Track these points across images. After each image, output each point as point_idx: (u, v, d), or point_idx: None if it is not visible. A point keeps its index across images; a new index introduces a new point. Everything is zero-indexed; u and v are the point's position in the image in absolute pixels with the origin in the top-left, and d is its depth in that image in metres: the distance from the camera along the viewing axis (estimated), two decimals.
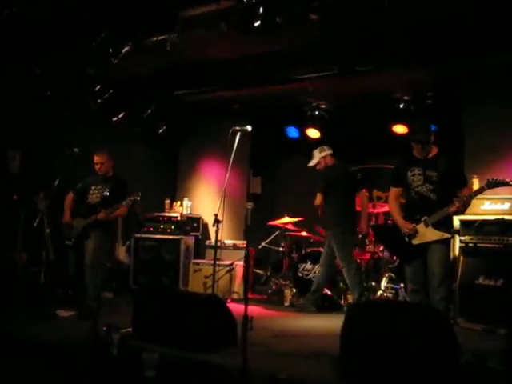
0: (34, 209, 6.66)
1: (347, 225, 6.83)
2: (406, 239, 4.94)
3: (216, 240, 5.63)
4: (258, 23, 5.03)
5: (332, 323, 6.10)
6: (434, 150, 4.98)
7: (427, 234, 4.82)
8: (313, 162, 7.10)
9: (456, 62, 6.33)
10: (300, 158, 9.52)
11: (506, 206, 6.33)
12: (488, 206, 6.39)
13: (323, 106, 8.17)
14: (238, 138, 5.76)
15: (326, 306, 7.09)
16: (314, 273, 7.31)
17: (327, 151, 7.08)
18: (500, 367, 3.96)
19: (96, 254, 6.13)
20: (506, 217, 6.13)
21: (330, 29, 5.79)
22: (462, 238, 6.17)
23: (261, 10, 4.98)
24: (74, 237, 6.26)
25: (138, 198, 6.12)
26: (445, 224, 4.84)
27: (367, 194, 7.33)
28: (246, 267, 4.76)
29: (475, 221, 6.13)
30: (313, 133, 8.57)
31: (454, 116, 7.68)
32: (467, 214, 6.16)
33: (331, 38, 6.20)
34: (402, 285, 6.98)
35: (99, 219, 6.09)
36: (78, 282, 6.33)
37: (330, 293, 7.13)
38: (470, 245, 6.13)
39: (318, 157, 7.04)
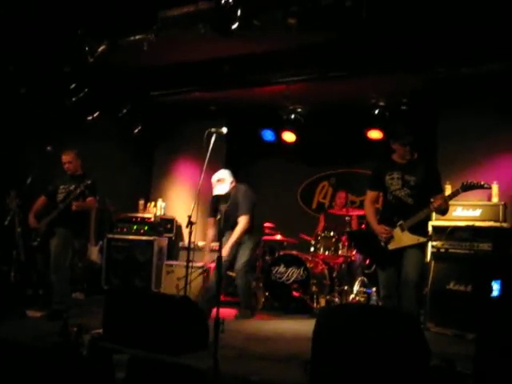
0: (6, 207, 6.56)
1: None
2: (382, 244, 4.95)
3: (189, 242, 5.61)
4: (235, 25, 5.04)
5: (304, 326, 6.11)
6: (413, 156, 5.03)
7: (403, 238, 4.82)
8: (223, 191, 6.45)
9: (430, 71, 6.40)
10: (275, 161, 9.62)
11: (477, 212, 6.45)
12: (460, 213, 6.50)
13: (299, 110, 8.19)
14: (213, 139, 5.75)
15: (294, 307, 7.12)
16: (287, 276, 7.32)
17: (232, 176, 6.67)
18: (469, 371, 4.01)
19: (59, 254, 6.03)
20: (477, 223, 6.25)
21: (308, 34, 5.81)
22: (434, 243, 6.25)
23: (239, 12, 4.98)
24: (40, 236, 6.16)
25: (89, 182, 6.00)
26: (420, 228, 4.85)
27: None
28: (219, 269, 4.74)
29: (447, 227, 6.22)
30: (288, 136, 8.62)
31: (428, 123, 7.79)
32: (439, 220, 6.27)
33: (308, 42, 6.23)
34: (374, 289, 7.05)
35: (58, 213, 6.00)
36: (47, 282, 6.23)
37: (302, 295, 7.14)
38: (442, 250, 6.23)
39: (228, 184, 6.53)
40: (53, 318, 5.71)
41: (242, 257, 6.71)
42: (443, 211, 4.94)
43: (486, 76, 6.53)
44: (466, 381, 3.89)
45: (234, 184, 6.62)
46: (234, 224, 6.59)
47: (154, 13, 5.41)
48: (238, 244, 6.68)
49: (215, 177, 6.52)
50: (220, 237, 4.96)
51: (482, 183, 4.75)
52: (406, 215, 4.84)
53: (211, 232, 6.91)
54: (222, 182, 6.49)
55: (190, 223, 5.56)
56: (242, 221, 6.58)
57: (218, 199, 6.49)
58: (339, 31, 5.86)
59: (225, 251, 6.34)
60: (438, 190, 4.97)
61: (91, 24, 5.67)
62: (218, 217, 4.56)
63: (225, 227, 6.43)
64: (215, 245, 6.91)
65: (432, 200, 4.83)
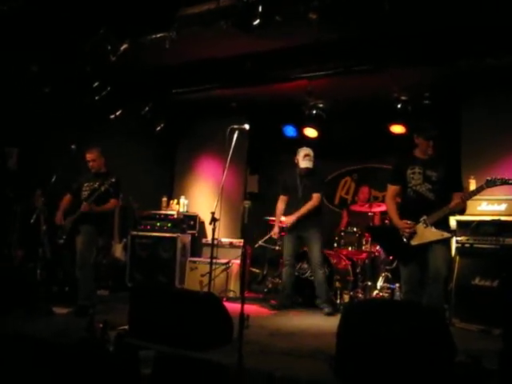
0: (31, 206, 6.66)
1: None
2: (404, 240, 4.92)
3: (213, 238, 5.64)
4: (257, 21, 5.03)
5: (328, 322, 6.12)
6: (434, 151, 4.99)
7: (427, 234, 4.79)
8: (311, 164, 6.87)
9: (455, 63, 6.32)
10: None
11: (503, 206, 6.35)
12: (485, 207, 6.40)
13: (321, 106, 8.14)
14: (235, 136, 5.77)
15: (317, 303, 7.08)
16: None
17: None
18: (495, 368, 3.97)
19: (84, 251, 6.09)
20: (503, 217, 6.15)
21: (329, 28, 5.78)
22: (459, 238, 6.18)
23: (260, 8, 4.97)
24: (65, 234, 6.22)
25: (113, 180, 6.09)
26: (443, 224, 4.83)
27: None
28: (243, 266, 4.77)
29: (472, 221, 6.14)
30: (310, 132, 8.58)
31: (451, 117, 7.70)
32: (464, 215, 6.19)
33: (330, 37, 6.20)
34: (397, 284, 7.00)
35: (83, 211, 6.05)
36: (73, 279, 6.30)
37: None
38: (467, 245, 6.15)
39: (313, 159, 6.91)
40: (79, 314, 5.79)
41: (315, 249, 6.79)
42: (460, 211, 4.92)
43: (511, 67, 6.42)
44: (492, 377, 3.85)
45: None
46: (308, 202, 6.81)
47: (175, 11, 5.43)
48: (306, 236, 6.82)
49: (302, 152, 6.86)
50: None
51: (507, 179, 4.70)
52: (427, 211, 4.82)
53: (281, 206, 7.14)
54: (309, 157, 6.80)
55: (214, 220, 5.58)
56: (314, 198, 6.81)
57: (302, 175, 6.82)
58: (361, 25, 5.82)
59: (289, 219, 6.79)
60: (458, 187, 4.94)
61: (113, 23, 5.70)
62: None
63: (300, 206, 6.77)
64: (284, 220, 7.02)
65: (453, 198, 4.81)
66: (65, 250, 6.39)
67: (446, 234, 4.82)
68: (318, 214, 6.91)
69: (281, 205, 7.13)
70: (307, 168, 6.76)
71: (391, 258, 7.25)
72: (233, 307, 5.11)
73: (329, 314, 6.50)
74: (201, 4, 5.36)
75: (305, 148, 6.91)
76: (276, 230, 7.12)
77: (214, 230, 5.58)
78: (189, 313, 4.56)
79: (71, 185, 6.51)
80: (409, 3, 5.19)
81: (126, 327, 4.86)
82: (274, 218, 7.94)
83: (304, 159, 6.78)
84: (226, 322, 4.69)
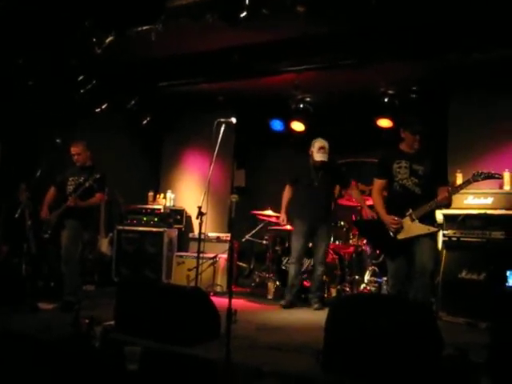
0: (16, 200, 6.58)
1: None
2: (391, 234, 4.92)
3: (200, 233, 5.60)
4: (243, 14, 4.98)
5: (315, 316, 6.14)
6: (421, 145, 4.99)
7: (413, 228, 4.80)
8: (326, 157, 6.70)
9: (442, 57, 6.32)
10: (284, 150, 9.57)
11: (489, 200, 6.37)
12: (471, 201, 6.42)
13: (308, 99, 8.14)
14: (222, 130, 5.74)
15: (304, 297, 7.07)
16: None
17: None
18: (481, 361, 3.99)
19: (69, 246, 6.04)
20: (489, 211, 6.17)
21: (317, 21, 5.75)
22: (445, 232, 6.20)
23: (247, 0, 4.93)
24: (50, 228, 6.16)
25: (98, 176, 6.05)
26: (430, 219, 4.86)
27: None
28: (231, 260, 4.76)
29: (458, 215, 6.16)
30: (297, 126, 8.57)
31: (438, 111, 7.71)
32: (450, 209, 6.21)
33: (317, 30, 6.17)
34: (385, 278, 7.02)
35: (69, 206, 6.00)
36: (59, 274, 6.25)
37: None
38: (453, 239, 6.17)
39: (328, 152, 6.74)
40: (64, 309, 5.75)
41: (322, 246, 6.73)
42: (446, 205, 4.94)
43: (498, 61, 6.43)
44: (479, 370, 3.86)
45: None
46: (324, 196, 6.75)
47: (161, 2, 5.36)
48: (316, 231, 6.70)
49: (317, 144, 6.66)
50: None
51: (493, 173, 4.73)
52: (414, 205, 4.84)
53: (287, 195, 7.03)
54: (324, 149, 6.64)
55: (201, 214, 5.55)
56: (354, 186, 7.06)
57: (316, 167, 6.68)
58: (348, 18, 5.79)
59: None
60: (443, 181, 4.97)
61: (98, 15, 5.63)
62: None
63: (314, 201, 6.66)
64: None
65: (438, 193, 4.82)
66: (50, 244, 6.33)
67: (433, 229, 4.85)
68: (330, 208, 6.92)
69: (287, 194, 7.01)
70: (322, 161, 6.62)
71: (378, 252, 7.27)
72: (220, 302, 5.08)
73: (317, 309, 6.48)
74: None
75: (320, 140, 6.73)
76: (283, 216, 6.99)
77: (200, 225, 5.56)
78: (176, 308, 4.53)
79: (55, 177, 6.44)
80: None
81: (112, 322, 4.83)
82: (261, 212, 7.94)
83: (319, 152, 6.62)
84: (213, 316, 4.67)
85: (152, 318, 4.57)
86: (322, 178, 6.71)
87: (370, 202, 7.46)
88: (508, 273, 5.60)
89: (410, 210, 4.83)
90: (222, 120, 5.65)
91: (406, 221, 4.85)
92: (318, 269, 6.71)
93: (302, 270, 7.22)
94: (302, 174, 6.85)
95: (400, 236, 4.89)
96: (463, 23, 5.79)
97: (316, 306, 6.57)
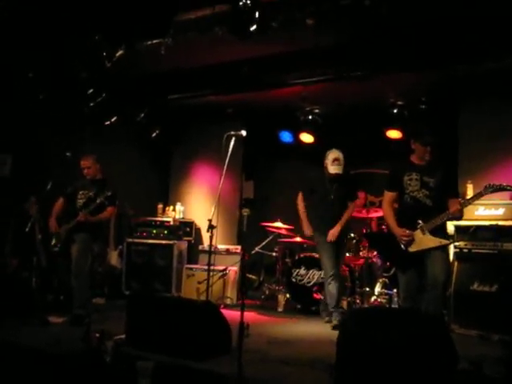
0: (26, 214, 6.59)
1: None
2: (402, 247, 4.89)
3: (210, 246, 5.58)
4: (253, 28, 4.99)
5: (326, 329, 6.10)
6: (432, 157, 4.97)
7: (424, 240, 4.77)
8: (340, 170, 6.51)
9: (452, 67, 6.30)
10: (293, 162, 9.58)
11: (501, 211, 6.34)
12: (482, 212, 6.39)
13: (317, 111, 8.14)
14: (232, 142, 5.73)
15: (315, 310, 7.05)
16: (308, 278, 7.28)
17: None
18: (496, 375, 3.94)
19: (79, 259, 6.02)
20: (501, 222, 6.14)
21: (326, 34, 5.76)
22: (457, 243, 6.16)
23: (257, 14, 4.94)
24: (60, 242, 6.16)
25: (109, 194, 6.01)
26: (441, 231, 4.82)
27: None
28: (242, 273, 4.72)
29: (470, 226, 6.13)
30: (306, 137, 8.56)
31: (448, 121, 7.69)
32: (461, 220, 6.17)
33: (326, 42, 6.18)
34: (395, 290, 6.98)
35: (79, 221, 5.99)
36: (68, 288, 6.24)
37: (323, 298, 7.08)
38: (465, 250, 6.14)
39: (343, 163, 6.55)
40: (75, 323, 5.73)
41: (342, 258, 6.63)
42: (458, 218, 4.90)
43: (507, 70, 6.40)
44: None
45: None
46: (339, 209, 6.53)
47: (170, 16, 5.39)
48: (336, 243, 6.45)
49: (331, 156, 6.52)
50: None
51: (505, 185, 4.70)
52: (425, 217, 4.80)
53: (302, 204, 6.86)
54: (338, 161, 6.49)
55: (211, 227, 5.52)
56: (352, 206, 6.66)
57: (331, 179, 6.52)
58: (357, 30, 5.80)
59: (333, 235, 6.36)
60: (454, 194, 4.93)
61: (108, 29, 5.66)
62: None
63: (330, 213, 6.49)
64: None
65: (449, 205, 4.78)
66: (60, 258, 6.31)
67: (444, 241, 4.80)
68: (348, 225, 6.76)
69: (302, 202, 6.85)
70: (337, 174, 6.45)
71: (388, 264, 7.23)
72: (230, 314, 5.07)
73: (335, 327, 6.04)
74: (196, 10, 5.33)
75: (334, 151, 6.57)
76: (307, 224, 6.72)
77: (211, 238, 5.53)
78: (187, 322, 4.52)
79: (65, 188, 6.44)
80: (406, 8, 5.16)
81: (123, 336, 4.81)
82: (270, 224, 7.92)
83: (333, 164, 6.46)
84: (225, 330, 4.65)
85: (163, 333, 4.55)
86: (337, 190, 6.54)
87: (379, 214, 7.46)
88: None
89: (421, 223, 4.79)
90: (232, 133, 5.63)
91: (418, 233, 4.81)
92: (333, 283, 6.35)
93: (313, 282, 7.20)
94: (318, 186, 6.69)
95: (411, 249, 4.85)
96: (474, 32, 5.76)
97: (336, 322, 6.19)
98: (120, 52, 5.86)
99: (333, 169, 6.46)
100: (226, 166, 5.82)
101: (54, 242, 6.18)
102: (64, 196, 6.42)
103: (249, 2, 4.89)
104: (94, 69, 6.54)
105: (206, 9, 5.30)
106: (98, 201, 5.97)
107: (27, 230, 6.44)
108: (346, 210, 6.54)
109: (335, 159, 6.47)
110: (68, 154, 6.55)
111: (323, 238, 6.46)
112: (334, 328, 5.97)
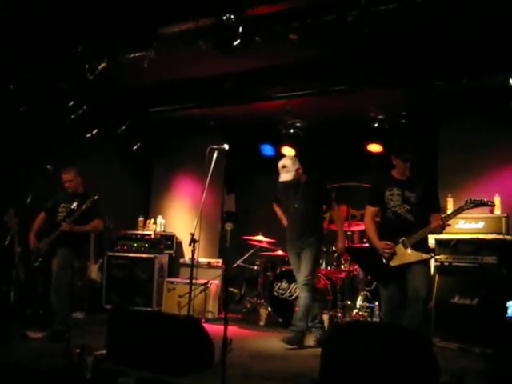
0: (5, 226, 6.49)
1: None
2: (384, 261, 4.91)
3: (192, 259, 5.55)
4: (237, 42, 5.01)
5: (308, 344, 6.08)
6: (411, 172, 5.01)
7: (406, 255, 4.79)
8: (289, 177, 6.16)
9: (431, 84, 6.38)
10: (275, 175, 9.52)
11: (481, 225, 6.43)
12: (463, 225, 6.48)
13: (298, 124, 8.19)
14: (215, 156, 5.73)
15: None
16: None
17: (298, 162, 6.31)
18: None
19: (59, 274, 5.95)
20: (481, 236, 6.22)
21: (308, 48, 5.80)
22: (438, 256, 6.22)
23: (240, 29, 4.96)
24: (41, 256, 6.07)
25: (96, 197, 5.95)
26: (422, 245, 4.85)
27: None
28: (225, 287, 4.69)
29: (450, 240, 6.20)
30: (288, 151, 8.60)
31: (428, 135, 7.77)
32: (442, 233, 6.23)
33: (309, 57, 6.22)
34: (376, 303, 7.00)
35: (63, 230, 5.92)
36: (48, 302, 6.15)
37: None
38: (446, 264, 6.20)
39: (293, 169, 6.18)
40: (54, 339, 5.64)
41: (305, 266, 6.12)
42: (439, 232, 4.94)
43: (487, 87, 6.52)
44: None
45: (300, 171, 6.24)
46: (305, 215, 6.20)
47: (154, 30, 5.39)
48: (298, 251, 6.22)
49: (280, 163, 6.25)
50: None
51: (486, 201, 4.77)
52: (406, 232, 4.83)
53: (279, 210, 6.82)
54: (286, 168, 6.18)
55: (193, 241, 5.50)
56: (336, 208, 6.53)
57: (286, 186, 6.29)
58: (339, 46, 5.86)
59: (342, 243, 6.33)
60: (435, 208, 4.97)
61: (91, 41, 5.65)
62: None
63: (293, 222, 6.33)
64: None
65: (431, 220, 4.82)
66: (40, 272, 6.22)
67: (426, 256, 4.83)
68: (315, 230, 6.31)
69: (277, 207, 6.82)
70: (284, 182, 6.17)
71: (370, 277, 7.25)
72: (212, 328, 5.05)
73: (316, 342, 5.97)
74: (180, 23, 5.33)
75: (284, 158, 6.35)
76: (284, 219, 6.65)
77: (193, 252, 5.50)
78: (169, 337, 4.47)
79: (45, 203, 6.37)
80: (388, 25, 5.22)
81: (104, 352, 4.75)
82: (252, 238, 7.89)
83: (282, 171, 6.19)
84: (207, 345, 4.62)
85: (145, 348, 4.50)
86: (302, 198, 6.25)
87: (361, 227, 7.50)
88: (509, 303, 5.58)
89: (403, 238, 4.82)
90: (215, 147, 5.64)
91: (399, 248, 4.84)
92: (300, 293, 6.15)
93: (295, 295, 7.18)
94: (281, 195, 6.52)
95: (393, 263, 4.88)
96: (452, 51, 5.87)
97: (314, 338, 6.07)
98: (103, 64, 5.83)
99: (281, 177, 6.22)
100: (208, 181, 5.81)
101: (34, 256, 6.11)
102: (45, 210, 6.35)
103: (232, 16, 4.92)
104: (76, 81, 6.51)
105: (189, 22, 5.30)
106: (84, 206, 5.91)
107: (6, 242, 6.34)
108: (335, 217, 6.56)
109: (283, 166, 6.21)
110: (49, 166, 6.47)
111: (288, 249, 6.42)
112: (317, 344, 5.90)
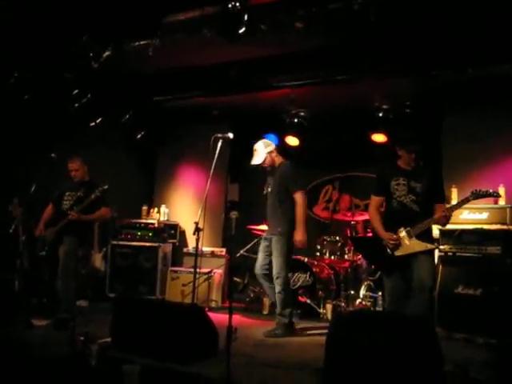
0: (9, 215, 6.50)
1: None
2: (388, 251, 4.91)
3: (196, 248, 5.55)
4: (242, 30, 4.98)
5: (312, 332, 6.10)
6: (418, 163, 5.00)
7: (411, 245, 4.79)
8: (258, 161, 6.10)
9: (436, 74, 6.34)
10: None
11: (485, 215, 6.41)
12: (467, 216, 6.46)
13: (302, 114, 8.16)
14: (219, 145, 5.71)
15: (300, 313, 7.02)
16: (293, 281, 7.27)
17: (272, 145, 6.17)
18: (482, 377, 3.98)
19: (67, 261, 5.97)
20: (485, 226, 6.21)
21: (314, 37, 5.77)
22: (442, 247, 6.21)
23: (245, 16, 4.93)
24: (48, 245, 6.10)
25: (106, 187, 5.96)
26: (427, 235, 4.85)
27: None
28: (230, 277, 4.70)
29: (454, 230, 6.18)
30: (292, 140, 8.58)
31: (432, 125, 7.75)
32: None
33: (314, 46, 6.19)
34: (380, 293, 7.00)
35: (70, 219, 5.93)
36: (52, 291, 6.17)
37: (308, 301, 7.08)
38: (449, 254, 6.20)
39: (264, 153, 6.09)
40: (58, 327, 5.66)
41: (275, 260, 5.93)
42: (443, 224, 4.93)
43: (492, 77, 6.48)
44: None
45: (274, 155, 6.13)
46: (276, 201, 6.01)
47: (159, 18, 5.36)
48: (269, 237, 6.04)
49: (254, 147, 6.18)
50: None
51: (492, 191, 4.75)
52: (412, 222, 4.82)
53: None
54: (256, 151, 6.13)
55: (197, 230, 5.49)
56: (301, 196, 5.92)
57: (266, 172, 6.18)
58: (345, 34, 5.82)
59: (300, 235, 5.84)
60: (440, 199, 4.97)
61: (96, 29, 5.62)
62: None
63: (267, 208, 6.13)
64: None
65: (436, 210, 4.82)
66: (46, 261, 6.24)
67: (431, 246, 4.83)
68: (287, 216, 5.97)
69: None
70: (253, 165, 6.12)
71: (374, 266, 7.25)
72: (216, 317, 5.05)
73: (266, 335, 5.83)
74: (185, 11, 5.30)
75: (258, 142, 6.23)
76: None
77: (197, 240, 5.49)
78: (174, 325, 4.49)
79: (53, 193, 6.39)
80: (393, 14, 5.19)
81: (108, 340, 4.77)
82: (255, 227, 7.90)
83: (254, 155, 6.13)
84: (211, 334, 4.63)
85: (149, 336, 4.52)
86: (274, 183, 6.08)
87: (364, 217, 7.49)
88: None
89: (408, 227, 4.82)
90: (219, 135, 5.60)
91: (404, 237, 4.83)
92: (276, 284, 5.95)
93: (298, 285, 7.19)
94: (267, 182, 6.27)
95: (398, 253, 4.87)
96: (457, 40, 5.83)
97: (273, 329, 5.92)
98: (107, 53, 5.81)
99: (252, 161, 6.17)
100: (212, 169, 5.80)
101: (40, 245, 6.12)
102: (52, 201, 6.37)
103: (238, 4, 4.89)
104: (80, 69, 6.48)
105: (194, 10, 5.28)
106: (92, 196, 5.92)
107: (11, 231, 6.35)
108: (297, 204, 5.90)
109: (254, 150, 6.14)
110: (53, 155, 6.48)
111: (263, 239, 6.24)
112: (265, 335, 5.82)
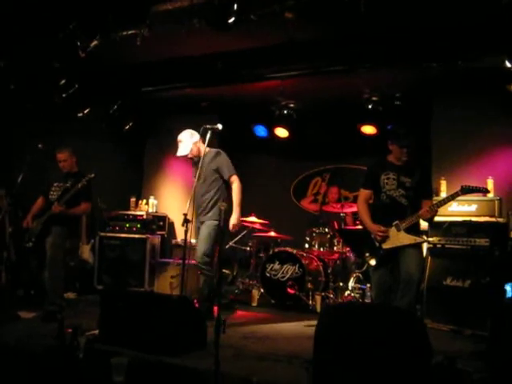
0: None
1: None
2: (376, 243, 4.93)
3: (185, 240, 5.52)
4: (231, 20, 4.93)
5: (301, 324, 6.10)
6: (409, 158, 5.01)
7: (399, 238, 4.83)
8: (184, 152, 6.09)
9: (426, 65, 6.33)
10: (268, 157, 9.58)
11: (473, 207, 6.44)
12: (455, 208, 6.49)
13: (292, 106, 8.12)
14: (208, 136, 5.68)
15: (289, 305, 7.06)
16: (282, 273, 7.26)
17: (197, 135, 6.09)
18: (470, 369, 3.99)
19: (54, 252, 5.92)
20: (473, 218, 6.24)
21: (304, 28, 5.74)
22: (430, 239, 6.22)
23: (235, 6, 4.88)
24: (34, 236, 6.04)
25: (93, 175, 5.91)
26: (415, 229, 4.90)
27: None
28: (219, 268, 4.68)
29: (443, 222, 6.20)
30: (281, 132, 8.56)
31: (422, 117, 7.76)
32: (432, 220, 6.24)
33: (304, 37, 6.15)
34: (368, 285, 7.02)
35: (53, 212, 5.88)
36: (40, 282, 6.12)
37: (297, 293, 7.08)
38: (438, 246, 6.21)
39: (190, 143, 6.08)
40: (47, 319, 5.61)
41: (202, 243, 5.96)
42: (428, 220, 4.96)
43: (481, 70, 6.48)
44: (467, 378, 3.87)
45: (199, 144, 6.07)
46: (204, 189, 5.98)
47: (147, 7, 5.29)
48: (198, 226, 6.06)
49: (178, 138, 6.16)
50: None
51: (481, 187, 4.82)
52: (400, 215, 4.87)
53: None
54: (182, 142, 6.10)
55: (186, 221, 5.45)
56: (236, 180, 6.00)
57: (195, 162, 6.10)
58: (335, 26, 5.79)
59: (236, 219, 5.88)
60: (427, 195, 5.01)
61: (83, 18, 5.54)
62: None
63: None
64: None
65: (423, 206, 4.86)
66: (33, 253, 6.19)
67: (419, 239, 4.88)
68: (216, 203, 5.94)
69: None
70: (179, 157, 6.19)
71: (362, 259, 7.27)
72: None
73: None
74: (174, 1, 5.24)
75: (182, 132, 6.22)
76: None
77: (186, 232, 5.46)
78: (162, 317, 4.46)
79: (43, 186, 6.32)
80: (384, 5, 5.16)
81: (96, 332, 4.73)
82: (244, 219, 7.86)
83: (179, 146, 6.14)
84: (200, 325, 4.62)
85: (137, 328, 4.49)
86: (202, 171, 5.98)
87: (353, 209, 7.49)
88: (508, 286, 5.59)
89: (397, 221, 4.84)
90: (208, 126, 5.58)
91: (392, 230, 4.87)
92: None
93: (287, 277, 7.19)
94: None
95: (386, 245, 4.91)
96: (447, 32, 5.82)
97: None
98: (95, 42, 5.73)
99: (177, 151, 6.17)
100: (202, 160, 5.77)
101: (27, 237, 6.06)
102: (41, 193, 6.31)
103: None
104: (67, 59, 6.40)
105: (183, 0, 5.22)
106: (79, 185, 5.85)
107: None
108: (233, 190, 5.97)
109: (179, 141, 6.15)
110: (40, 145, 6.41)
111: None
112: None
